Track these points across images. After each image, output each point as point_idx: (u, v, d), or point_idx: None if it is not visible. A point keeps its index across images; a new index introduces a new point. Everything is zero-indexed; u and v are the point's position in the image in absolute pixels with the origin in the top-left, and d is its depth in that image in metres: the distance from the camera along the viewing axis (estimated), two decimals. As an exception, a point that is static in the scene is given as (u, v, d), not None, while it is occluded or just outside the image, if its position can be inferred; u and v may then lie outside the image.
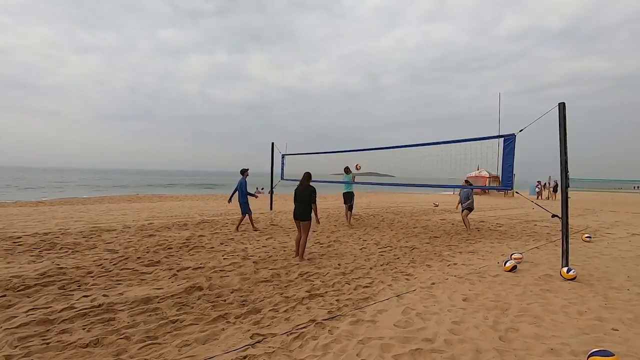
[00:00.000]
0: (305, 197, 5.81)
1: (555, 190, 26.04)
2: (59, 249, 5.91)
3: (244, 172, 8.61)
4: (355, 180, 10.31)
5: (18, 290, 3.89)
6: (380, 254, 6.31)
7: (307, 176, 6.02)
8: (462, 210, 9.35)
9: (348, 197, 9.74)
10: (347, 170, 10.00)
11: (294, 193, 5.96)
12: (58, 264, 4.97)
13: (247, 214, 8.37)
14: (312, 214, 5.88)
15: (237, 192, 8.51)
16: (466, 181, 9.63)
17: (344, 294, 4.15)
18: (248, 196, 8.54)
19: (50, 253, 5.66)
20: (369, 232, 8.68)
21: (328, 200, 20.56)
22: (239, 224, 8.45)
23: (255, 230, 8.32)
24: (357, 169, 10.12)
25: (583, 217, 13.33)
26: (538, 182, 26.98)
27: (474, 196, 9.52)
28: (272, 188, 13.91)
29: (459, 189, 9.99)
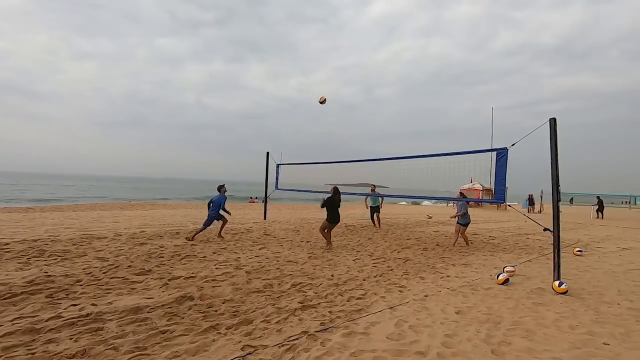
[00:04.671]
0: (338, 206, 7.91)
1: (531, 204, 26.45)
2: (48, 257, 5.81)
3: (221, 188, 8.64)
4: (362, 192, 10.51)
5: (4, 299, 3.80)
6: (374, 265, 6.30)
7: (338, 190, 8.04)
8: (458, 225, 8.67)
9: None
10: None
11: (330, 204, 7.80)
12: (46, 272, 4.87)
13: (206, 227, 8.26)
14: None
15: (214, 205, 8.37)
16: (461, 193, 8.97)
17: (336, 305, 4.12)
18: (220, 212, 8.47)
19: (38, 260, 5.55)
20: (362, 243, 8.66)
21: (323, 211, 20.56)
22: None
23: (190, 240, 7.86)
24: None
25: (574, 230, 13.46)
26: (530, 195, 27.30)
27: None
28: (266, 197, 13.88)
29: (453, 202, 9.72)
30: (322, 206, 7.86)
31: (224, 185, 8.78)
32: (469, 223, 8.68)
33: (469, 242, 8.98)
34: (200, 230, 8.17)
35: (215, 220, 8.35)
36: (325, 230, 7.93)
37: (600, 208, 21.68)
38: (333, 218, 7.79)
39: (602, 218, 20.78)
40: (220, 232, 8.55)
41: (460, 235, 8.75)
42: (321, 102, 9.54)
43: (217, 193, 8.53)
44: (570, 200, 38.41)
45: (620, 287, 5.28)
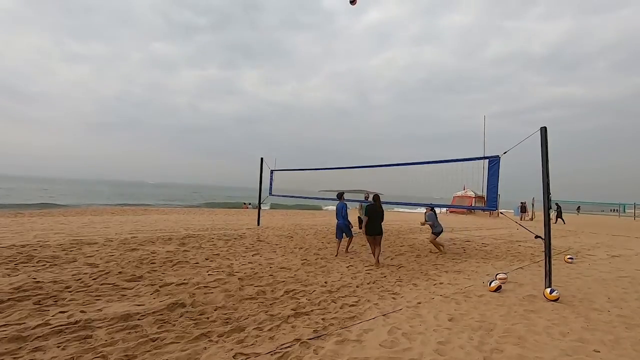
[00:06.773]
0: (379, 216, 6.99)
1: (522, 211, 26.94)
2: (37, 262, 5.71)
3: (341, 196, 8.51)
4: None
5: (-10, 305, 3.73)
6: (367, 272, 6.29)
7: (379, 198, 7.19)
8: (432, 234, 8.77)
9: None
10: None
11: (367, 213, 6.99)
12: (34, 278, 4.79)
13: (349, 237, 8.16)
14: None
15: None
16: (430, 207, 9.01)
17: (330, 312, 4.10)
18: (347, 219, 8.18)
19: (26, 266, 5.45)
20: (355, 249, 8.65)
21: (316, 217, 20.51)
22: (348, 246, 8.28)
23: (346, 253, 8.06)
24: None
25: (565, 238, 13.60)
26: (522, 202, 27.61)
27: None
28: (259, 203, 13.83)
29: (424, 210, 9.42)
30: (365, 215, 7.05)
31: (342, 192, 8.67)
32: (441, 232, 8.78)
33: (441, 249, 8.81)
34: (348, 242, 8.22)
35: (351, 230, 8.09)
36: (372, 245, 7.12)
37: (559, 214, 22.91)
38: (371, 229, 6.92)
39: (564, 223, 22.08)
40: (347, 247, 8.28)
41: (432, 242, 8.80)
42: (352, 3, 9.47)
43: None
44: (577, 209, 39.60)
45: (610, 294, 5.34)
